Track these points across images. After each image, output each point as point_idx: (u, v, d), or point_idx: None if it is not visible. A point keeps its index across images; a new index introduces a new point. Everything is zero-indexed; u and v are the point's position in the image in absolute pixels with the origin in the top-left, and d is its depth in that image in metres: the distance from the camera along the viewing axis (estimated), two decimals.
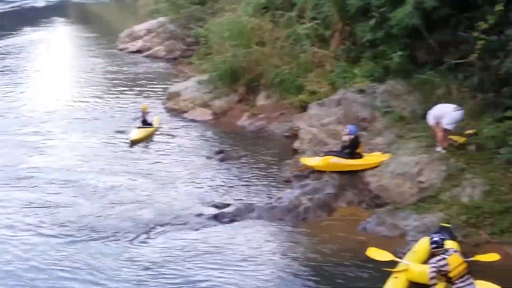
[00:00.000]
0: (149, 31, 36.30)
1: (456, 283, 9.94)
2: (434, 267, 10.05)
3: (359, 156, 15.77)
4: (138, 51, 34.87)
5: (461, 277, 9.94)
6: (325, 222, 14.27)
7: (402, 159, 14.97)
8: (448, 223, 12.70)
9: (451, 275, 9.93)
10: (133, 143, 20.25)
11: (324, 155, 16.10)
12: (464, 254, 11.49)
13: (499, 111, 15.16)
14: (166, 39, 34.36)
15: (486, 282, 10.34)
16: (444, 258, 10.03)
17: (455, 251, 10.25)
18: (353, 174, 15.68)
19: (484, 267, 11.01)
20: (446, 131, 14.87)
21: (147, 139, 20.78)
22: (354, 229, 13.72)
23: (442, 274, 10.01)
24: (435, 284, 10.06)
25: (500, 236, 12.46)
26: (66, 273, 12.31)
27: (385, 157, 15.51)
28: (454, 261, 9.98)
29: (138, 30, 36.88)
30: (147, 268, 12.42)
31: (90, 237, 13.80)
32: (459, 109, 14.88)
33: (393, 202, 14.28)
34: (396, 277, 10.79)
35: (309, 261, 12.51)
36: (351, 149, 15.75)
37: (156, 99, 25.52)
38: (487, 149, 14.58)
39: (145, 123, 21.35)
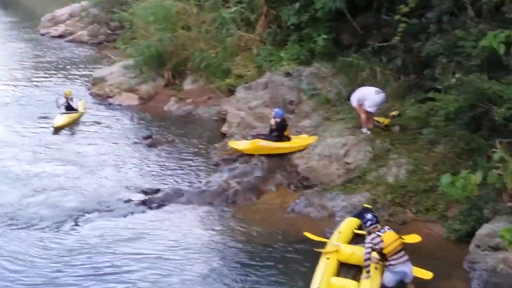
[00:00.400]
0: (71, 15, 35.59)
1: (389, 260, 10.14)
2: (369, 247, 10.21)
3: (287, 138, 15.89)
4: (61, 36, 34.14)
5: (396, 253, 10.13)
6: (255, 204, 14.35)
7: (329, 141, 15.17)
8: (376, 203, 13.03)
9: (385, 251, 10.12)
10: (57, 129, 19.81)
11: (252, 139, 16.16)
12: None
13: (421, 93, 15.57)
14: (89, 23, 33.77)
15: (417, 268, 10.58)
16: (378, 236, 10.21)
17: (389, 229, 10.43)
18: (282, 156, 15.79)
19: (407, 245, 11.32)
20: (369, 113, 15.16)
21: (72, 125, 20.37)
22: (283, 211, 13.84)
23: (377, 251, 10.20)
24: (369, 266, 10.23)
25: (425, 214, 12.82)
26: None
27: (312, 139, 15.69)
28: (388, 237, 10.17)
29: (60, 14, 36.10)
30: (64, 257, 12.02)
31: (9, 225, 13.36)
32: (381, 93, 15.20)
33: (321, 183, 14.48)
34: (328, 258, 10.94)
35: (237, 244, 12.52)
36: (279, 132, 15.84)
37: (81, 84, 25.06)
38: (410, 130, 14.97)
39: (69, 109, 20.91)
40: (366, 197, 13.36)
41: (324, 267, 10.69)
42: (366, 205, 12.74)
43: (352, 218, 12.27)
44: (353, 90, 15.83)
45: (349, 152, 14.67)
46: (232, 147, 16.43)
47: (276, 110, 16.12)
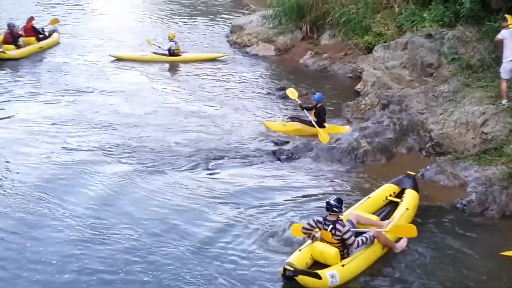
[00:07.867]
0: None
1: None
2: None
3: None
4: None
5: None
6: (383, 167, 14.18)
7: (467, 108, 14.62)
8: (511, 177, 12.49)
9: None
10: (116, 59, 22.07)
11: (291, 121, 16.34)
12: None
13: None
14: None
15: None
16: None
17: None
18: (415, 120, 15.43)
19: None
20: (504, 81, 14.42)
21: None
22: None
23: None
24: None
25: None
26: (121, 196, 12.30)
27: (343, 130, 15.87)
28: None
29: None
30: (191, 198, 12.25)
31: (144, 165, 13.74)
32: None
33: (454, 151, 14.09)
34: None
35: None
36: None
37: (219, 31, 25.55)
38: None
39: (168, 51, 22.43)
40: (501, 170, 12.77)
41: None
42: (410, 172, 12.28)
43: (390, 184, 11.95)
44: (498, 57, 15.08)
45: (487, 121, 14.07)
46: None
47: (316, 95, 16.02)
